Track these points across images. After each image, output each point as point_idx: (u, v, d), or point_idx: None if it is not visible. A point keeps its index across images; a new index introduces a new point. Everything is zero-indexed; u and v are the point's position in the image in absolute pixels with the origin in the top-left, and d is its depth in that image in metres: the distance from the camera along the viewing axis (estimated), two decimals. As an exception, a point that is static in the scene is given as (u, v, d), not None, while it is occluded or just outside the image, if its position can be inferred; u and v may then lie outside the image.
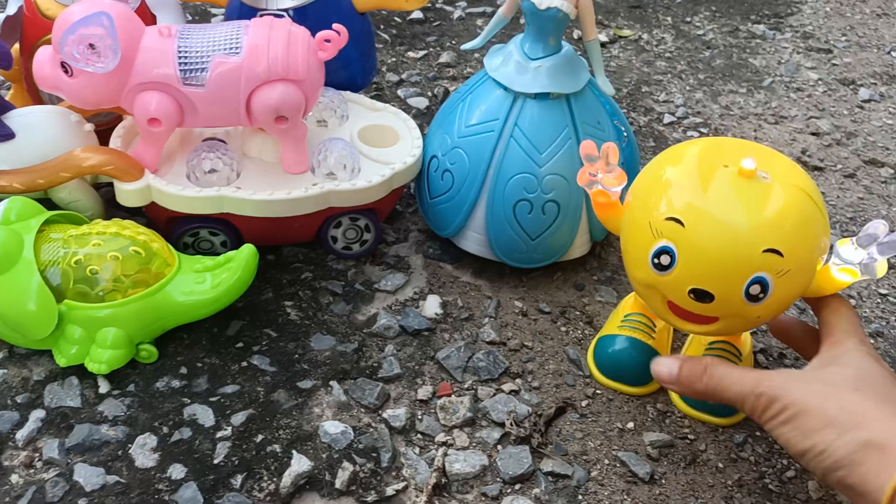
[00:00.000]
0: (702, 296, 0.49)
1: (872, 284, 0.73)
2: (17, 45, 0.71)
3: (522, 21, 0.64)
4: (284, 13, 0.69)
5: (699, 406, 0.59)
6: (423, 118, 0.89)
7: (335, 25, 0.60)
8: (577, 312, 0.67)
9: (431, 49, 1.02)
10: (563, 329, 0.66)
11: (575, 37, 1.05)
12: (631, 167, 0.72)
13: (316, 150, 0.65)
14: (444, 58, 0.99)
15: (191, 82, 0.59)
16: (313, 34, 0.63)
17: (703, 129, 0.91)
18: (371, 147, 0.68)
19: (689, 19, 1.14)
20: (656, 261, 0.50)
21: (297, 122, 0.62)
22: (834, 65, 1.05)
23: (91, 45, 0.56)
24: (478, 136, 0.65)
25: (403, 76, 0.96)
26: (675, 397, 0.60)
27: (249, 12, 0.70)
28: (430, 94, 0.93)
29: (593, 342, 0.63)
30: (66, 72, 0.58)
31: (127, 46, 0.57)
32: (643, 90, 0.97)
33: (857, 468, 0.42)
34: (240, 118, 0.61)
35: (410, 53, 1.01)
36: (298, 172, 0.65)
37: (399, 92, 0.93)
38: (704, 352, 0.60)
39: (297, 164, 0.64)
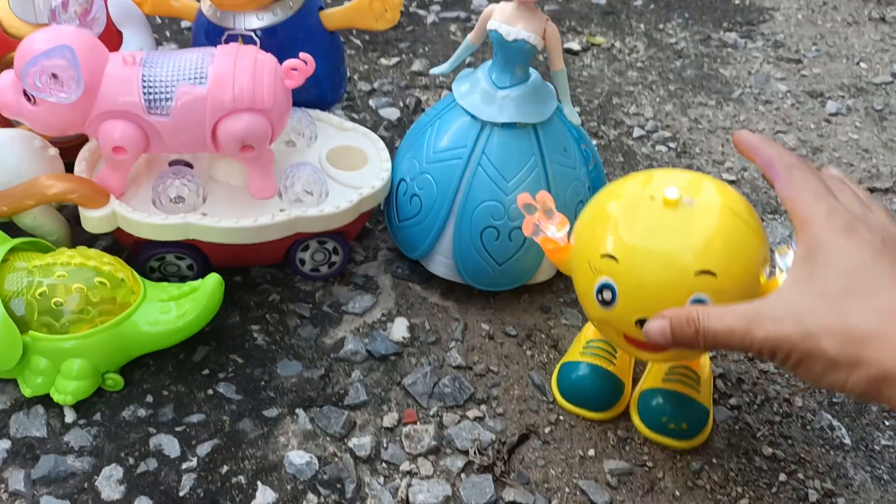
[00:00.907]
0: None
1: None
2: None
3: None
4: (252, 33, 0.69)
5: (659, 430, 0.60)
6: (395, 130, 0.89)
7: (302, 55, 0.60)
8: (543, 335, 0.68)
9: (404, 56, 1.01)
10: (528, 353, 0.67)
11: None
12: (598, 190, 0.73)
13: (283, 174, 0.65)
14: (417, 65, 0.99)
15: (155, 111, 0.58)
16: (282, 53, 0.63)
17: (671, 144, 0.92)
18: (339, 170, 0.69)
19: (661, 26, 1.14)
20: (600, 297, 0.52)
21: (264, 150, 0.62)
22: (803, 76, 1.06)
23: (54, 75, 0.55)
24: (446, 163, 0.66)
25: (375, 85, 0.96)
26: (636, 421, 0.62)
27: (216, 31, 0.70)
28: (401, 104, 0.93)
29: (557, 368, 0.65)
30: (28, 100, 0.57)
31: (90, 75, 0.56)
32: (614, 102, 0.98)
33: (881, 397, 0.41)
34: (206, 146, 0.61)
35: (383, 60, 1.00)
36: (265, 198, 0.65)
37: (371, 102, 0.93)
38: (663, 378, 0.61)
39: (264, 190, 0.64)
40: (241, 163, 0.63)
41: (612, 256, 0.51)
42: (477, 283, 0.69)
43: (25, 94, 0.57)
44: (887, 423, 0.65)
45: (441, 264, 0.69)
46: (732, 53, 1.10)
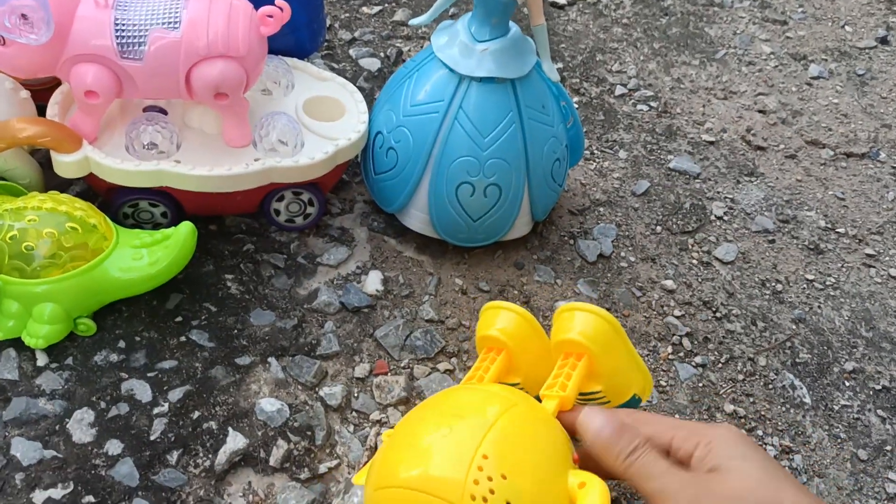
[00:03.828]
0: None
1: (800, 269, 0.76)
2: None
3: None
4: (229, -23, 0.67)
5: None
6: (375, 81, 0.88)
7: (278, 1, 0.59)
8: (516, 292, 0.69)
9: (386, 4, 1.00)
10: (499, 308, 0.68)
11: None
12: (576, 148, 0.73)
13: (258, 123, 0.65)
14: (399, 15, 0.98)
15: (128, 56, 0.57)
16: (263, 1, 0.62)
17: (652, 103, 0.92)
18: (315, 121, 0.68)
19: (649, -17, 1.13)
20: None
21: (239, 98, 0.61)
22: (788, 38, 1.06)
23: (23, 16, 0.54)
24: (422, 117, 0.65)
25: (356, 34, 0.94)
26: None
27: (193, -26, 0.68)
28: (382, 54, 0.92)
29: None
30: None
31: (61, 17, 0.55)
32: (597, 59, 0.97)
33: None
34: (180, 92, 0.60)
35: (364, 9, 0.99)
36: (240, 146, 0.64)
37: (351, 52, 0.91)
38: None
39: (238, 139, 0.64)
40: (216, 110, 0.62)
41: None
42: (451, 239, 0.69)
43: (-5, 34, 0.56)
44: (847, 384, 0.67)
45: (416, 219, 0.69)
46: (718, 13, 1.09)
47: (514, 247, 0.72)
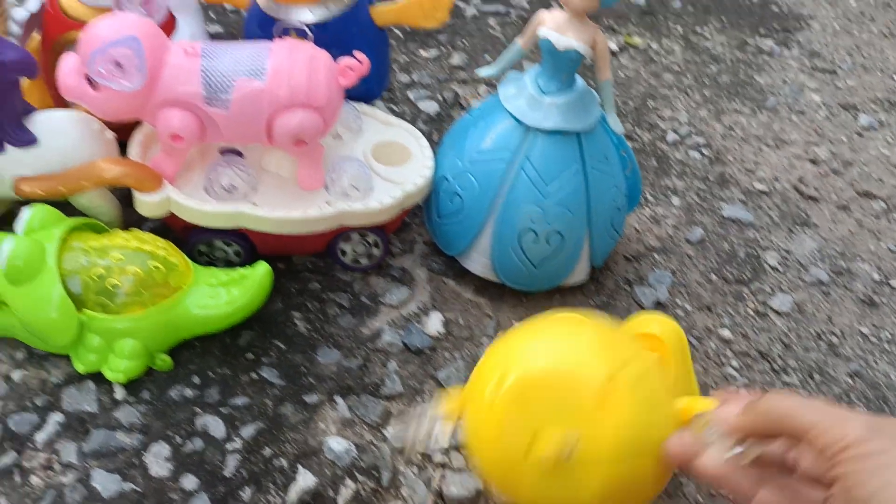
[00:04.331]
0: None
1: (854, 322, 0.76)
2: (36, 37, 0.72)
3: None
4: (305, 26, 0.70)
5: None
6: (433, 124, 0.90)
7: (357, 54, 0.62)
8: (573, 336, 0.70)
9: (443, 48, 1.02)
10: (558, 353, 0.69)
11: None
12: (633, 195, 0.75)
13: (330, 167, 0.67)
14: (456, 59, 1.00)
15: (214, 103, 0.60)
16: (333, 47, 0.64)
17: (704, 150, 0.93)
18: (383, 165, 0.70)
19: (699, 29, 1.14)
20: None
21: (315, 145, 0.64)
22: (837, 87, 1.07)
23: (117, 63, 0.57)
24: (488, 164, 0.67)
25: (414, 77, 0.97)
26: None
27: (269, 21, 0.71)
28: (440, 97, 0.94)
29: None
30: (91, 85, 0.59)
31: (152, 64, 0.58)
32: (649, 104, 0.99)
33: None
34: (260, 137, 0.63)
35: (422, 52, 1.01)
36: (313, 189, 0.67)
37: (410, 94, 0.94)
38: None
39: (312, 183, 0.66)
40: (292, 155, 0.65)
41: None
42: (512, 283, 0.70)
43: (88, 78, 0.59)
44: None
45: (477, 262, 0.71)
46: (768, 61, 1.10)
47: (571, 292, 0.74)
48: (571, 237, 0.68)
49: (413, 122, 0.89)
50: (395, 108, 0.92)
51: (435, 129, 0.90)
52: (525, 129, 0.66)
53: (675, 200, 0.86)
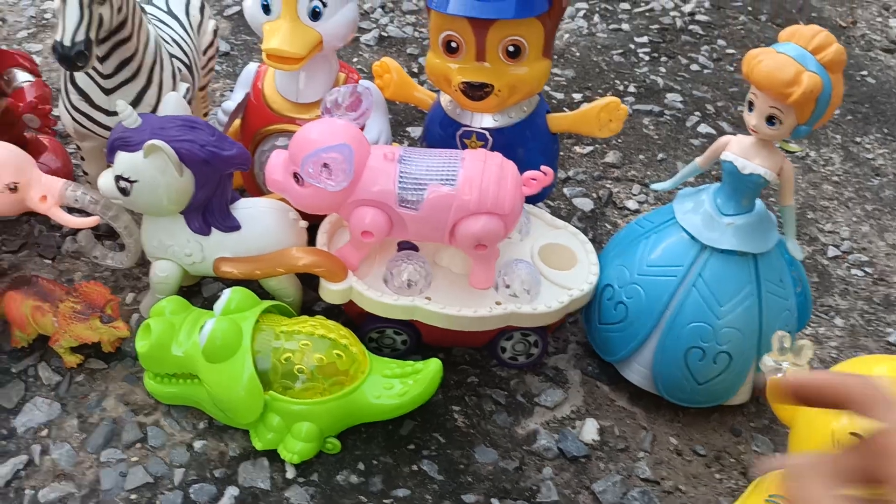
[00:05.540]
0: None
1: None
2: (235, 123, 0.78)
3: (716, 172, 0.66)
4: (486, 131, 0.73)
5: None
6: (588, 221, 0.92)
7: (543, 168, 0.64)
8: (733, 459, 0.69)
9: (598, 145, 1.04)
10: (717, 476, 0.67)
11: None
12: (802, 316, 0.73)
13: (501, 268, 0.69)
14: (610, 157, 1.02)
15: (406, 205, 0.63)
16: (509, 151, 0.67)
17: (867, 269, 0.90)
18: (551, 268, 0.72)
19: (858, 140, 1.12)
20: None
21: (493, 248, 0.66)
22: None
23: (326, 165, 0.61)
24: (658, 277, 0.68)
25: (570, 173, 0.99)
26: None
27: (451, 124, 0.75)
28: (594, 195, 0.96)
29: None
30: (296, 180, 0.63)
31: (356, 168, 0.62)
32: (808, 216, 0.97)
33: None
34: (442, 238, 0.65)
35: (577, 148, 1.04)
36: (483, 289, 0.69)
37: (565, 190, 0.96)
38: None
39: (483, 283, 0.68)
40: (470, 256, 0.67)
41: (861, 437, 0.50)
42: (671, 397, 0.70)
43: (295, 176, 0.63)
44: None
45: (637, 372, 0.71)
46: (934, 177, 1.06)
47: (730, 410, 0.72)
48: (740, 358, 0.67)
49: (568, 219, 0.91)
50: (550, 203, 0.94)
51: (589, 226, 0.91)
52: (700, 247, 0.66)
53: (838, 321, 0.83)
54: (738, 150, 0.64)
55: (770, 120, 0.61)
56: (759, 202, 0.67)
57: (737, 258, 0.66)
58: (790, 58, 0.58)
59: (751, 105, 0.61)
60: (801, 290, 0.72)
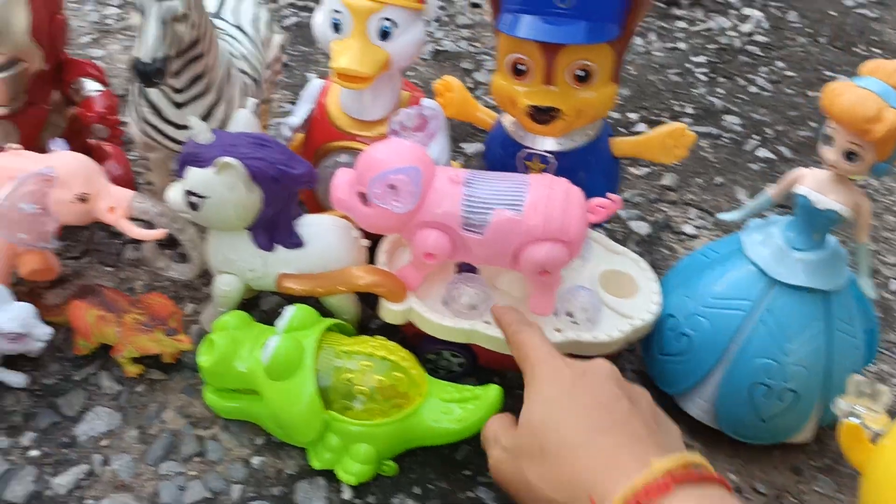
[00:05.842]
0: None
1: None
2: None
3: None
4: (549, 154, 0.73)
5: None
6: (644, 246, 0.91)
7: (610, 195, 0.63)
8: (794, 500, 0.67)
9: (654, 167, 1.03)
10: (777, 515, 0.66)
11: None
12: (868, 353, 0.71)
13: (563, 295, 0.68)
14: (667, 179, 1.01)
15: (470, 228, 0.63)
16: (571, 174, 0.66)
17: (933, 305, 0.88)
18: (611, 296, 0.71)
19: (923, 168, 1.09)
20: None
21: (556, 274, 0.65)
22: None
23: (393, 186, 0.61)
24: (724, 311, 0.66)
25: (626, 195, 0.98)
26: None
27: (513, 145, 0.74)
28: (651, 219, 0.94)
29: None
30: (361, 200, 0.63)
31: (422, 190, 0.62)
32: (870, 247, 0.94)
33: None
34: (505, 263, 0.65)
35: (632, 170, 1.02)
36: (543, 315, 0.68)
37: (621, 212, 0.95)
38: None
39: (544, 308, 0.68)
40: (532, 282, 0.66)
41: None
42: (733, 433, 0.68)
43: (360, 194, 0.63)
44: None
45: (697, 406, 0.69)
46: None
47: (792, 448, 0.70)
48: (806, 396, 0.65)
49: (624, 243, 0.90)
50: (606, 225, 0.93)
51: (646, 250, 0.90)
52: (768, 281, 0.65)
53: (903, 358, 0.81)
54: (812, 185, 0.62)
55: (849, 156, 0.59)
56: (831, 237, 0.65)
57: (807, 294, 0.64)
58: (872, 93, 0.57)
59: (829, 139, 0.60)
60: (870, 328, 0.70)
